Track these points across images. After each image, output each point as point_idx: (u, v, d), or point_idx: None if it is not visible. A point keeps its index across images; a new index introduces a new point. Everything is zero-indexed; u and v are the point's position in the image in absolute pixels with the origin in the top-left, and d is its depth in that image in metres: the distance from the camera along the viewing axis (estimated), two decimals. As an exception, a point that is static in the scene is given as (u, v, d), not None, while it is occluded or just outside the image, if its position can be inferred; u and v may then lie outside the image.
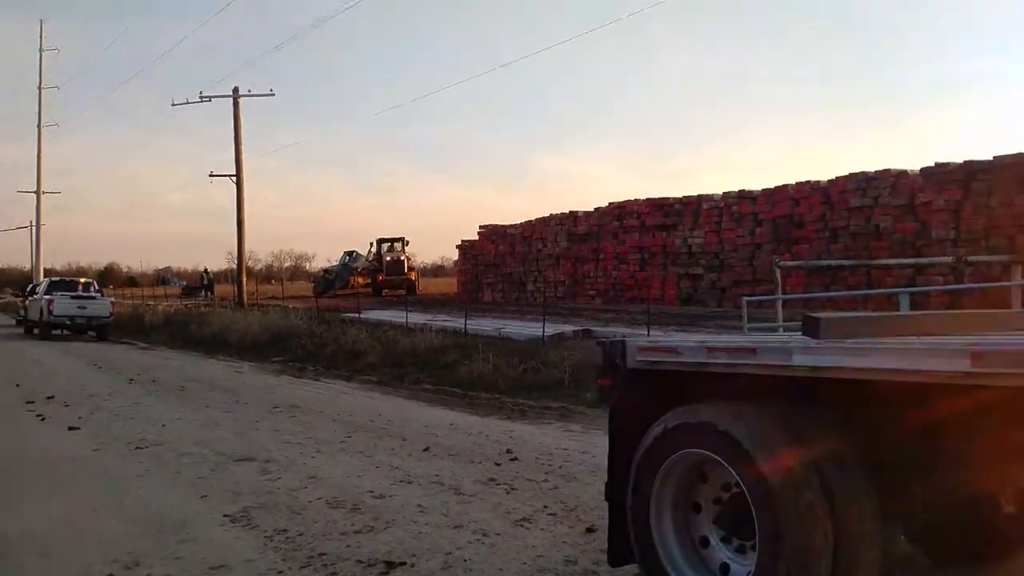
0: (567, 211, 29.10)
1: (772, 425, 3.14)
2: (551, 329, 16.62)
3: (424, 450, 7.60)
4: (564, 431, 8.77)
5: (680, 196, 24.38)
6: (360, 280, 44.62)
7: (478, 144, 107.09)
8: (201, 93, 35.06)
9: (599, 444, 7.88)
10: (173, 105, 35.49)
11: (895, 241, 18.09)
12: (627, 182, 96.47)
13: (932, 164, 17.70)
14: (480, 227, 34.30)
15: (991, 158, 16.60)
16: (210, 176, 36.10)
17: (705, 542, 3.53)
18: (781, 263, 11.13)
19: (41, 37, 50.82)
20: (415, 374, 14.23)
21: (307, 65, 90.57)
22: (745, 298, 8.65)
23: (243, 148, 34.67)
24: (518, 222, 32.14)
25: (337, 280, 45.62)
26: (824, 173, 25.72)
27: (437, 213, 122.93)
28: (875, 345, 2.79)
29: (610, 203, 27.07)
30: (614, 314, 21.05)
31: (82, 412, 10.17)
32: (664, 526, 3.59)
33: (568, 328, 16.86)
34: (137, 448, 7.92)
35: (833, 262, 14.99)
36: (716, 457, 3.28)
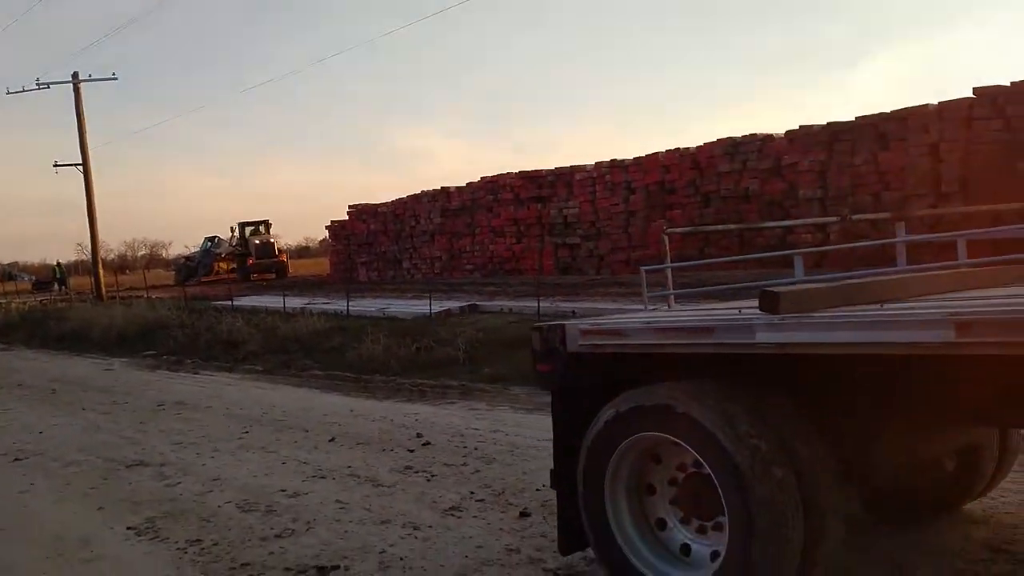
0: (439, 187, 28.81)
1: (733, 404, 3.10)
2: (436, 306, 16.42)
3: (330, 441, 7.31)
4: (469, 410, 8.64)
5: (553, 168, 24.54)
6: (224, 266, 42.93)
7: (327, 124, 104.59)
8: (38, 80, 32.62)
9: (508, 421, 7.83)
10: (8, 94, 32.89)
11: (764, 203, 18.84)
12: (479, 157, 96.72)
13: (796, 127, 18.50)
14: (350, 207, 33.50)
15: (853, 118, 17.49)
16: (55, 166, 33.86)
17: (662, 524, 3.48)
18: (669, 230, 11.38)
19: None
20: (301, 360, 13.73)
21: (149, 48, 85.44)
22: (644, 268, 8.72)
23: (88, 136, 32.55)
24: (388, 199, 31.61)
25: (200, 267, 43.73)
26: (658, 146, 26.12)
27: (292, 195, 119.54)
28: (846, 318, 2.77)
29: (482, 177, 26.97)
30: (495, 287, 21.01)
31: (-62, 426, 9.25)
32: (619, 510, 3.51)
33: (454, 304, 16.70)
34: (16, 460, 7.27)
35: (727, 227, 15.38)
36: (675, 439, 3.21)
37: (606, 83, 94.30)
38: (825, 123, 18.03)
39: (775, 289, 3.04)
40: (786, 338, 2.88)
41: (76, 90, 32.20)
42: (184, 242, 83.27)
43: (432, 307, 16.32)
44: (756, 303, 3.09)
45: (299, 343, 15.03)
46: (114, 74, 33.28)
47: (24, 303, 30.79)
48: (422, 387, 10.34)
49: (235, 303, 21.27)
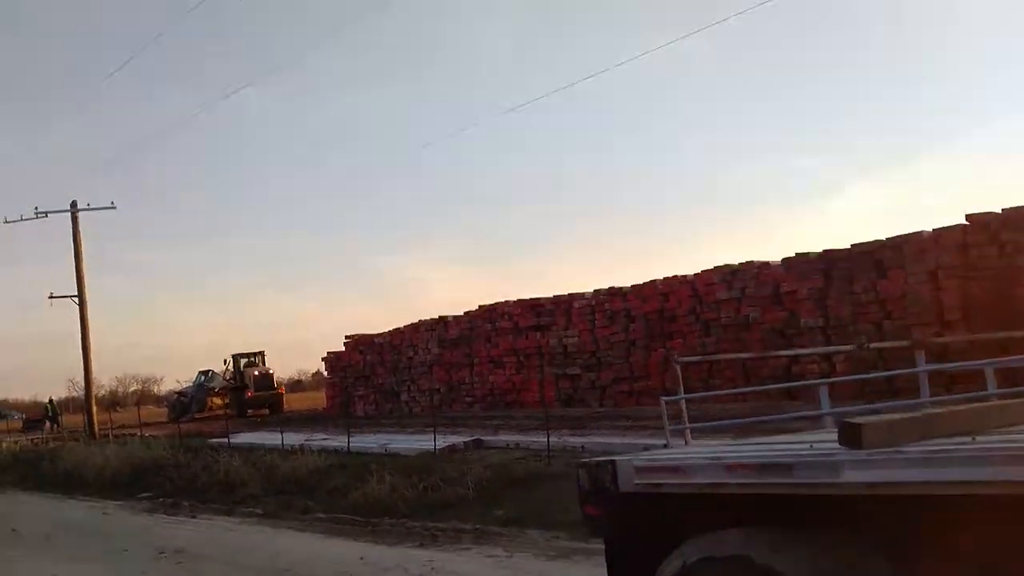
0: (436, 316, 28.83)
1: (819, 554, 2.88)
2: (440, 441, 16.05)
3: (346, 595, 6.91)
4: (487, 557, 8.27)
5: (551, 296, 24.64)
6: (218, 401, 42.34)
7: (317, 255, 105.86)
8: (36, 208, 32.97)
9: (531, 571, 7.46)
10: (6, 223, 33.15)
11: (765, 331, 18.82)
12: (471, 284, 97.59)
13: (792, 255, 18.72)
14: (346, 337, 33.41)
15: (849, 246, 17.71)
16: (50, 298, 33.73)
17: None
18: (680, 359, 11.25)
19: None
20: (301, 501, 13.26)
21: (144, 180, 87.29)
22: (664, 399, 8.53)
23: (84, 267, 32.71)
24: (383, 329, 31.58)
25: (193, 403, 43.00)
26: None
27: (283, 327, 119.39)
28: (944, 453, 2.58)
29: (480, 306, 27.04)
30: (499, 421, 20.67)
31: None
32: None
33: (458, 439, 16.35)
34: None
35: (738, 356, 15.29)
36: (755, 597, 2.97)
37: (594, 211, 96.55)
38: (821, 251, 18.26)
39: (857, 420, 2.87)
40: (877, 476, 2.68)
41: (74, 219, 32.49)
42: (176, 376, 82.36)
43: (436, 443, 15.99)
44: (815, 437, 2.91)
45: (299, 484, 14.58)
46: (112, 203, 33.62)
47: (16, 443, 30.07)
48: (432, 530, 9.94)
49: (232, 441, 20.77)
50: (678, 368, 10.86)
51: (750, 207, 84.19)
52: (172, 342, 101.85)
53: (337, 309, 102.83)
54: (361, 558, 8.54)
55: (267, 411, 37.22)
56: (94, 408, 32.27)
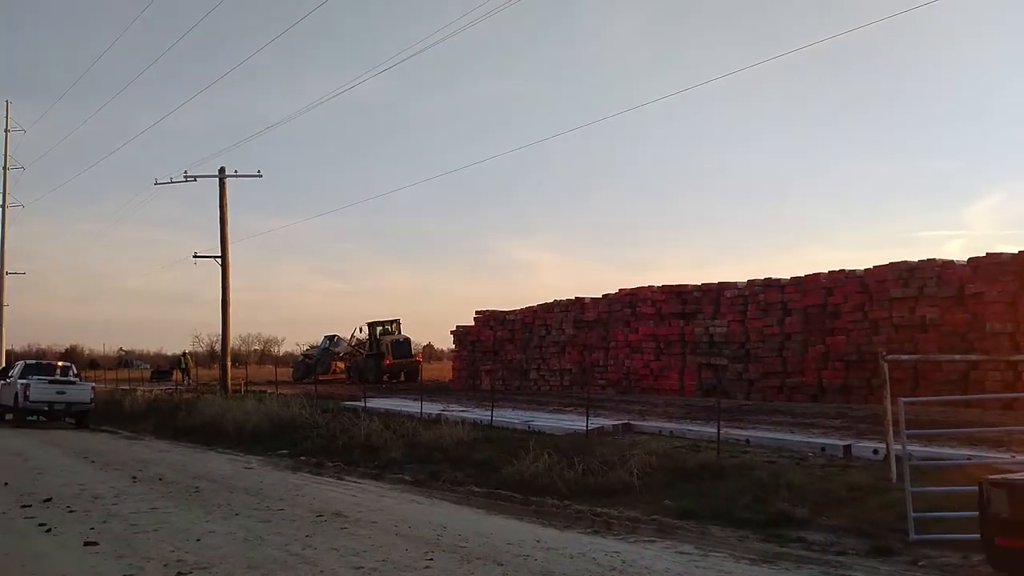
0: (572, 297, 28.08)
1: None
2: (584, 423, 15.34)
3: (539, 582, 6.24)
4: (677, 554, 7.43)
5: (699, 284, 23.49)
6: (341, 365, 43.05)
7: (437, 233, 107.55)
8: (186, 172, 33.95)
9: (733, 574, 6.59)
10: (156, 184, 34.32)
11: (943, 333, 17.21)
12: (589, 271, 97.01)
13: (982, 254, 16.99)
14: (477, 313, 33.10)
15: (1052, 248, 15.93)
16: (194, 257, 34.79)
17: None
18: (890, 356, 10.10)
19: (7, 117, 49.77)
20: (450, 472, 12.78)
21: (275, 154, 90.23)
22: (904, 400, 7.51)
23: (229, 230, 33.47)
24: (517, 308, 31.04)
25: (318, 365, 43.90)
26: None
27: (398, 300, 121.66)
28: None
29: (620, 289, 26.12)
30: (640, 406, 19.78)
31: (92, 521, 8.63)
32: None
33: (606, 422, 15.57)
34: (179, 574, 6.45)
35: (967, 357, 13.82)
36: None
37: (702, 207, 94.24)
38: (1016, 251, 16.49)
39: None
40: None
41: (221, 184, 33.26)
42: (296, 340, 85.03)
43: (583, 424, 15.26)
44: None
45: (444, 453, 14.15)
46: (259, 171, 34.35)
47: (149, 392, 31.17)
48: (604, 517, 9.18)
49: (367, 405, 20.66)
50: (886, 367, 9.79)
51: (879, 207, 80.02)
52: (292, 307, 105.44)
53: (451, 288, 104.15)
54: (538, 541, 7.86)
55: (402, 378, 37.46)
56: (229, 363, 33.08)
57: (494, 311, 32.26)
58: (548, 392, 26.79)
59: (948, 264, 17.70)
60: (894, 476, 9.30)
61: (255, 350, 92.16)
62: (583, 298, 27.60)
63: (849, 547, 7.57)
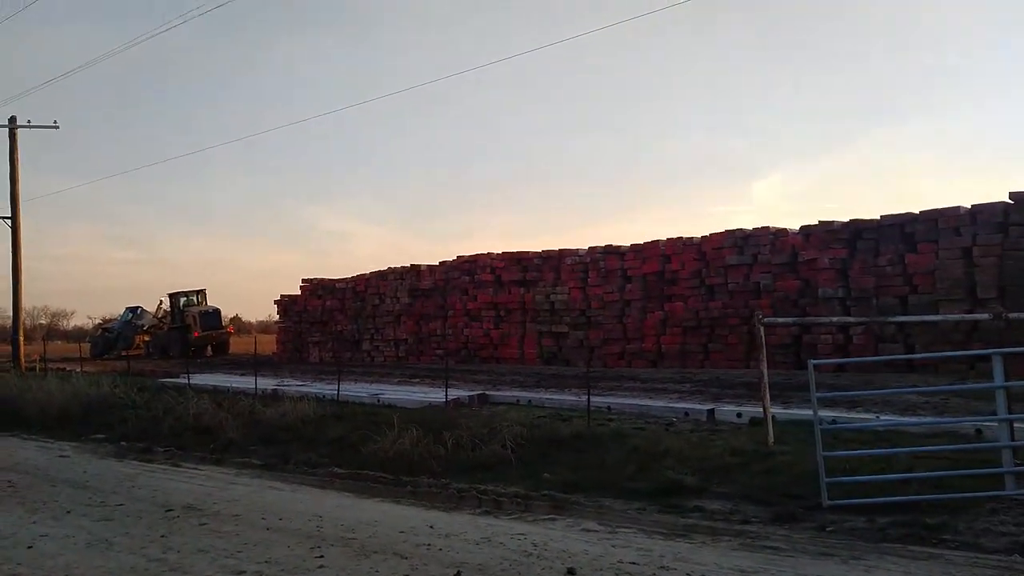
0: (408, 265, 27.25)
1: None
2: (441, 396, 14.70)
3: (455, 576, 5.55)
4: (584, 531, 6.97)
5: (539, 251, 23.34)
6: (145, 338, 39.92)
7: (239, 199, 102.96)
8: (-34, 122, 29.96)
9: (661, 552, 6.20)
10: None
11: (777, 299, 17.93)
12: (397, 243, 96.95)
13: (815, 222, 17.80)
14: (303, 281, 31.49)
15: (878, 217, 16.86)
16: (-21, 218, 30.96)
17: None
18: (764, 320, 10.11)
19: None
20: (301, 454, 11.71)
21: (62, 107, 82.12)
22: (812, 362, 7.37)
23: (20, 188, 29.81)
24: (347, 276, 29.77)
25: (120, 339, 40.60)
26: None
27: (199, 271, 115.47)
28: None
29: (459, 256, 25.57)
30: (484, 376, 19.37)
31: None
32: None
33: (461, 393, 15.00)
34: (12, 598, 5.23)
35: (849, 320, 14.13)
36: None
37: (518, 177, 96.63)
38: (847, 220, 17.38)
39: None
40: None
41: (12, 136, 29.68)
42: (87, 313, 78.42)
43: (437, 396, 14.62)
44: None
45: (290, 432, 13.02)
46: (55, 122, 30.85)
47: (-79, 371, 27.29)
48: (493, 496, 8.57)
49: (191, 382, 18.94)
50: (762, 330, 9.78)
51: (673, 183, 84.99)
52: (82, 277, 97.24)
53: (253, 255, 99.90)
54: (431, 527, 7.14)
55: (210, 352, 35.13)
56: (21, 339, 29.64)
57: (322, 279, 30.80)
58: (383, 364, 25.90)
59: (781, 232, 18.44)
60: (771, 440, 9.36)
61: (41, 324, 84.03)
62: (419, 265, 26.84)
63: (751, 515, 7.40)
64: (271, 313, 71.42)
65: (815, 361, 7.32)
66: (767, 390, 9.44)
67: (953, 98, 76.26)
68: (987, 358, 7.17)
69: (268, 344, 39.77)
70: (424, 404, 14.18)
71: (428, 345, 25.81)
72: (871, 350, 16.17)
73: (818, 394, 7.45)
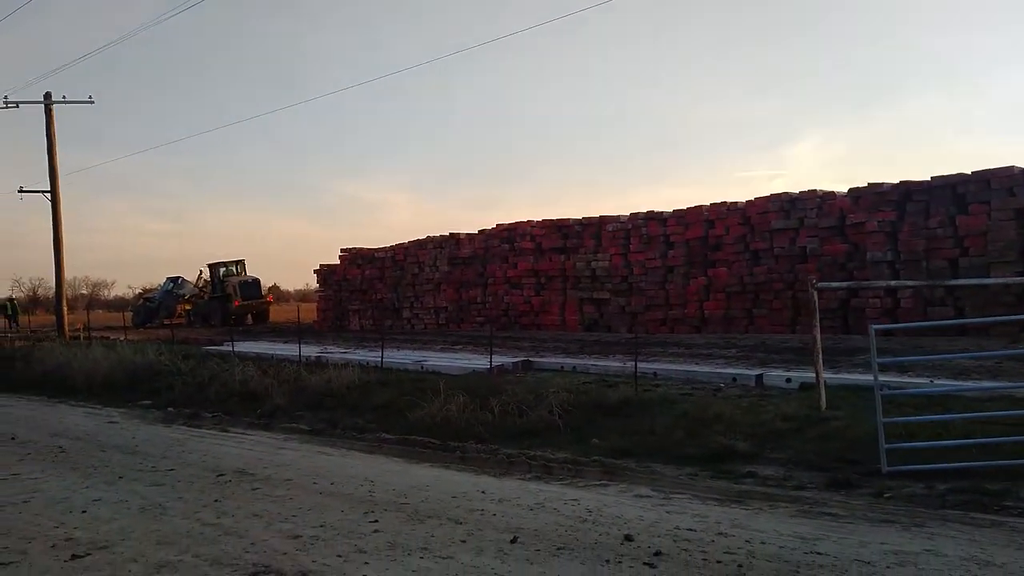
0: (447, 233, 27.18)
1: None
2: (485, 362, 14.69)
3: (512, 542, 5.51)
4: (637, 497, 6.91)
5: (580, 217, 23.12)
6: (186, 307, 40.45)
7: (271, 172, 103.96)
8: (6, 98, 30.32)
9: (717, 518, 6.11)
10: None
11: (824, 263, 17.59)
12: (431, 211, 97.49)
13: (864, 184, 17.37)
14: (342, 250, 31.60)
15: (929, 178, 16.41)
16: (20, 192, 31.60)
17: None
18: (819, 284, 9.89)
19: None
20: (349, 419, 11.81)
21: (100, 86, 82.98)
22: (874, 327, 7.19)
23: (58, 162, 30.17)
24: (387, 245, 29.80)
25: (161, 309, 41.25)
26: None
27: (234, 242, 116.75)
28: None
29: (498, 225, 25.46)
30: (528, 342, 19.35)
31: (-58, 495, 7.19)
32: None
33: (505, 359, 14.96)
34: (75, 557, 5.31)
35: (905, 283, 13.78)
36: None
37: (534, 150, 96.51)
38: (897, 182, 16.93)
39: None
40: None
41: (48, 112, 29.99)
42: (127, 283, 79.71)
43: (480, 362, 14.61)
44: None
45: (336, 399, 13.12)
46: (91, 97, 31.09)
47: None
48: (543, 462, 8.54)
49: (235, 350, 19.16)
50: (815, 294, 9.57)
51: (704, 150, 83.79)
52: (120, 249, 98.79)
53: (287, 226, 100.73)
54: (482, 492, 7.13)
55: (250, 320, 35.53)
56: (64, 308, 30.17)
57: (360, 248, 30.88)
58: (424, 331, 25.97)
59: (829, 195, 18.04)
60: (824, 405, 9.19)
61: (82, 294, 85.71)
62: (458, 234, 26.76)
63: (805, 481, 7.28)
64: (308, 282, 72.09)
65: (877, 326, 7.11)
66: (820, 355, 9.24)
67: (997, 60, 73.92)
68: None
69: (307, 313, 40.19)
70: (468, 371, 14.17)
71: (468, 313, 25.81)
72: (919, 313, 15.82)
73: (878, 359, 7.25)
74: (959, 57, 73.65)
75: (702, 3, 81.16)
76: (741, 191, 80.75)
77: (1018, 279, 11.64)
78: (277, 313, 40.83)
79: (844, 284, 13.37)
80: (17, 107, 30.62)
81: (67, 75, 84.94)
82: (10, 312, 42.60)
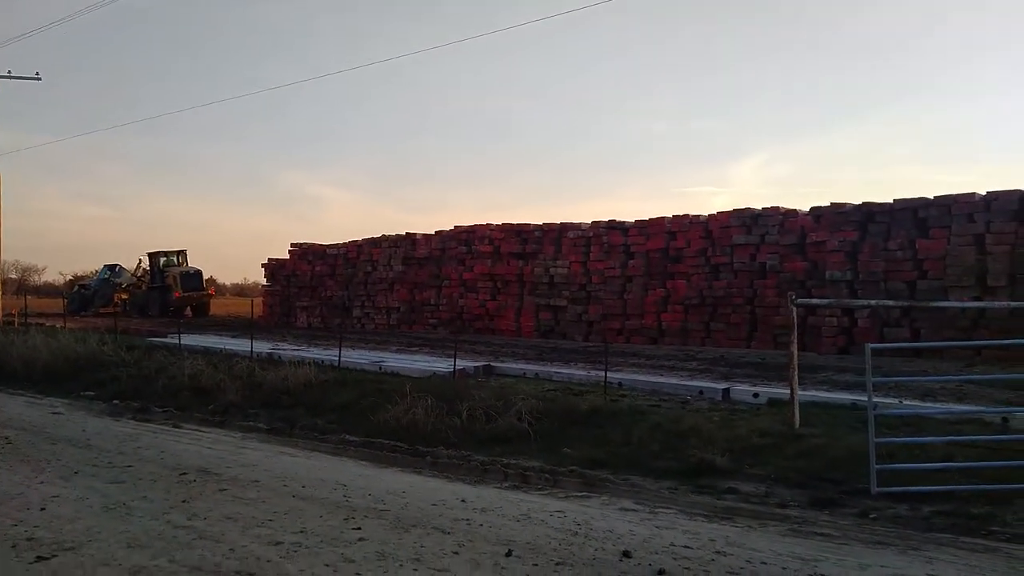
0: (403, 232, 26.79)
1: None
2: (444, 365, 14.43)
3: (507, 555, 5.29)
4: (622, 511, 6.74)
5: (540, 223, 22.99)
6: (123, 296, 39.15)
7: (214, 162, 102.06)
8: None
9: (711, 536, 5.97)
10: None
11: (783, 280, 17.75)
12: (370, 210, 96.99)
13: (826, 204, 17.59)
14: (292, 245, 30.94)
15: (891, 200, 16.69)
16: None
17: None
18: (798, 301, 9.88)
19: None
20: (307, 419, 11.44)
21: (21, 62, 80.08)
22: (870, 346, 7.13)
23: None
24: (339, 242, 29.25)
25: (97, 296, 39.86)
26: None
27: (173, 231, 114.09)
28: None
29: (456, 226, 25.18)
30: (483, 346, 19.10)
31: None
32: None
33: (467, 364, 14.70)
34: (40, 559, 4.93)
35: (893, 303, 13.93)
36: None
37: (492, 155, 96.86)
38: (859, 203, 17.19)
39: None
40: None
41: (-9, 87, 28.80)
42: (60, 269, 77.05)
43: (440, 365, 14.34)
44: None
45: (292, 397, 12.72)
46: (37, 74, 29.98)
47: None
48: (517, 470, 8.33)
49: (182, 342, 18.51)
50: (795, 311, 9.55)
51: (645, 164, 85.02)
52: (53, 234, 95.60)
53: (227, 217, 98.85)
54: (462, 500, 6.89)
55: (189, 313, 34.55)
56: (1, 292, 28.92)
57: (312, 244, 30.27)
58: (375, 331, 25.51)
59: (791, 212, 18.22)
60: (797, 422, 9.17)
61: (11, 279, 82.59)
62: (414, 234, 26.40)
63: (787, 498, 7.21)
64: (246, 276, 70.58)
65: (873, 345, 7.08)
66: (795, 372, 9.22)
67: (944, 87, 76.42)
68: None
69: (243, 307, 39.24)
70: (429, 373, 13.88)
71: (421, 314, 25.46)
72: (875, 334, 16.05)
73: (874, 379, 7.21)
74: (907, 83, 75.82)
75: (671, 20, 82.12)
76: (683, 206, 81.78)
77: (984, 303, 11.81)
78: (216, 306, 39.82)
79: (824, 301, 13.47)
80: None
81: (11, 50, 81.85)
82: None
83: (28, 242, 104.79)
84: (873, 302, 13.66)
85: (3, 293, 30.62)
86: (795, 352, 9.30)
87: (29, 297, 57.80)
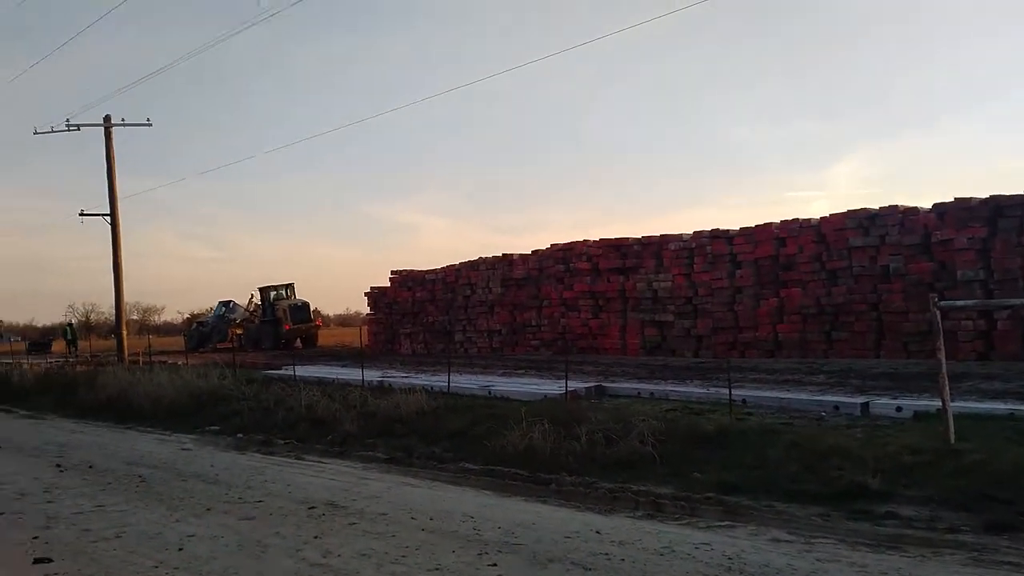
0: (499, 254, 26.69)
1: None
2: (555, 386, 14.09)
3: (658, 595, 4.88)
4: (773, 541, 6.23)
5: (639, 236, 22.48)
6: (238, 331, 40.41)
7: (306, 197, 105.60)
8: (68, 121, 30.57)
9: (871, 567, 5.42)
10: (36, 134, 30.80)
11: (909, 283, 16.74)
12: (464, 236, 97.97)
13: (951, 199, 16.53)
14: (393, 272, 31.26)
15: (1022, 192, 15.56)
16: (81, 215, 31.68)
17: None
18: (941, 303, 9.17)
19: None
20: (423, 447, 11.26)
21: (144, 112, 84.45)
22: None
23: (117, 184, 30.32)
24: (436, 267, 29.39)
25: (214, 332, 41.25)
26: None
27: (274, 267, 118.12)
28: None
29: (552, 245, 24.88)
30: (591, 366, 18.67)
31: (30, 527, 6.79)
32: None
33: (578, 385, 14.33)
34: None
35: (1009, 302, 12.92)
36: None
37: (584, 171, 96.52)
38: (986, 196, 16.08)
39: None
40: None
41: (107, 134, 30.16)
42: (175, 308, 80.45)
43: (550, 387, 14.00)
44: None
45: (405, 425, 12.57)
46: (148, 119, 31.31)
47: (38, 365, 28.01)
48: (650, 498, 7.88)
49: (297, 374, 18.75)
50: (938, 314, 8.84)
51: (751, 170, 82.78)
52: (168, 274, 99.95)
53: (323, 250, 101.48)
54: (596, 532, 6.51)
55: (299, 344, 35.32)
56: (124, 333, 30.17)
57: (411, 271, 30.50)
58: (478, 355, 25.40)
59: (911, 211, 17.21)
60: (952, 437, 8.43)
61: (133, 319, 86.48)
62: (511, 254, 26.25)
63: (956, 523, 6.54)
64: (348, 306, 72.08)
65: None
66: (946, 382, 8.50)
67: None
68: None
69: (349, 336, 39.95)
70: (539, 396, 13.56)
71: (523, 336, 25.22)
72: (1017, 337, 14.93)
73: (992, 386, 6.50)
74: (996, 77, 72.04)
75: (744, 25, 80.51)
76: (782, 212, 79.45)
77: None
78: (322, 337, 40.69)
79: (969, 303, 12.57)
80: (79, 130, 30.87)
81: (124, 98, 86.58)
82: (69, 337, 42.93)
83: (146, 282, 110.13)
84: (1018, 302, 12.63)
85: (127, 333, 31.86)
86: (943, 360, 8.58)
87: (151, 336, 60.55)
